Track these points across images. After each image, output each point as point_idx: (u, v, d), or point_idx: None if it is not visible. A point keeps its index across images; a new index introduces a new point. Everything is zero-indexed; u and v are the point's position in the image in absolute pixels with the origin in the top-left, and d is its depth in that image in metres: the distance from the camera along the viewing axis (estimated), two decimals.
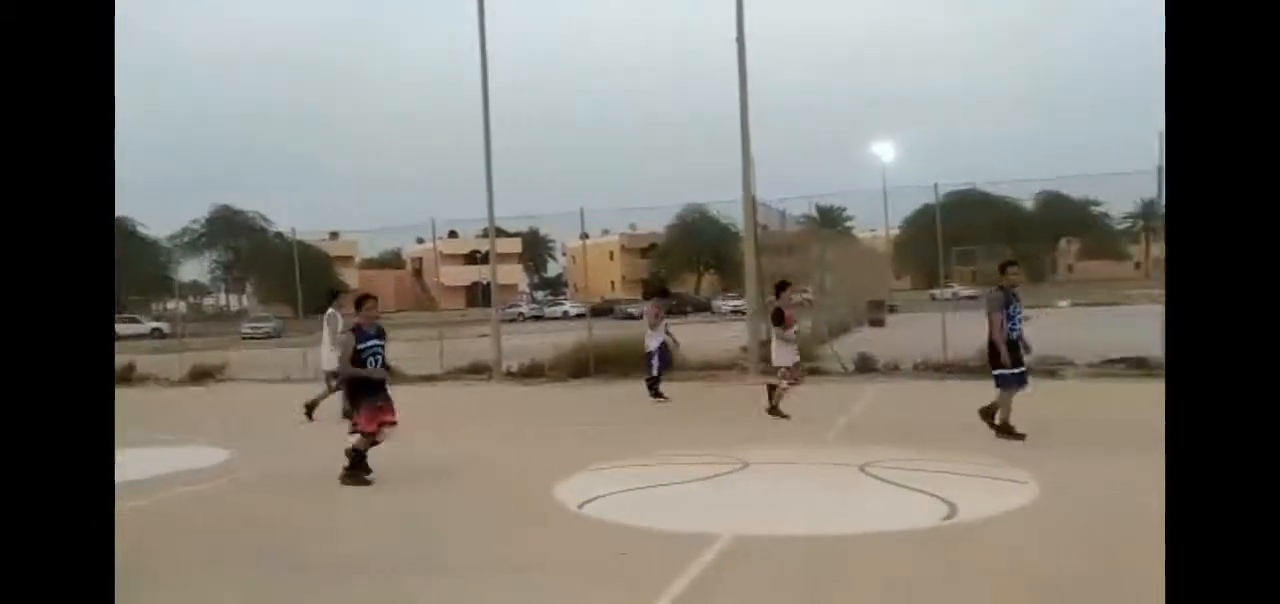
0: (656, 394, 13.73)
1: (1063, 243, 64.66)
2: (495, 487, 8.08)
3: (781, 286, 11.85)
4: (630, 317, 46.08)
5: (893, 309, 32.60)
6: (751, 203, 17.37)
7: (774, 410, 11.11)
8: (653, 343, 13.89)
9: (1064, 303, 32.70)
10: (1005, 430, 9.18)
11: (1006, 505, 6.65)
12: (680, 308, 54.09)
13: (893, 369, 15.97)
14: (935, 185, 18.99)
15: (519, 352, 19.00)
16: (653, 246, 72.06)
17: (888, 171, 46.96)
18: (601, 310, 43.08)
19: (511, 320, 36.42)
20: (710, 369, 16.80)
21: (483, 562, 5.83)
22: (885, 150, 41.47)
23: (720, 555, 5.65)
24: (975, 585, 5.02)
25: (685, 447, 9.57)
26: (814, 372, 16.41)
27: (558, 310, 40.43)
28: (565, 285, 60.82)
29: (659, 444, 9.84)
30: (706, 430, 10.90)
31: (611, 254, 71.86)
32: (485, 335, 19.43)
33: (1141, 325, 14.81)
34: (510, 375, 17.82)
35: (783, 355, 11.27)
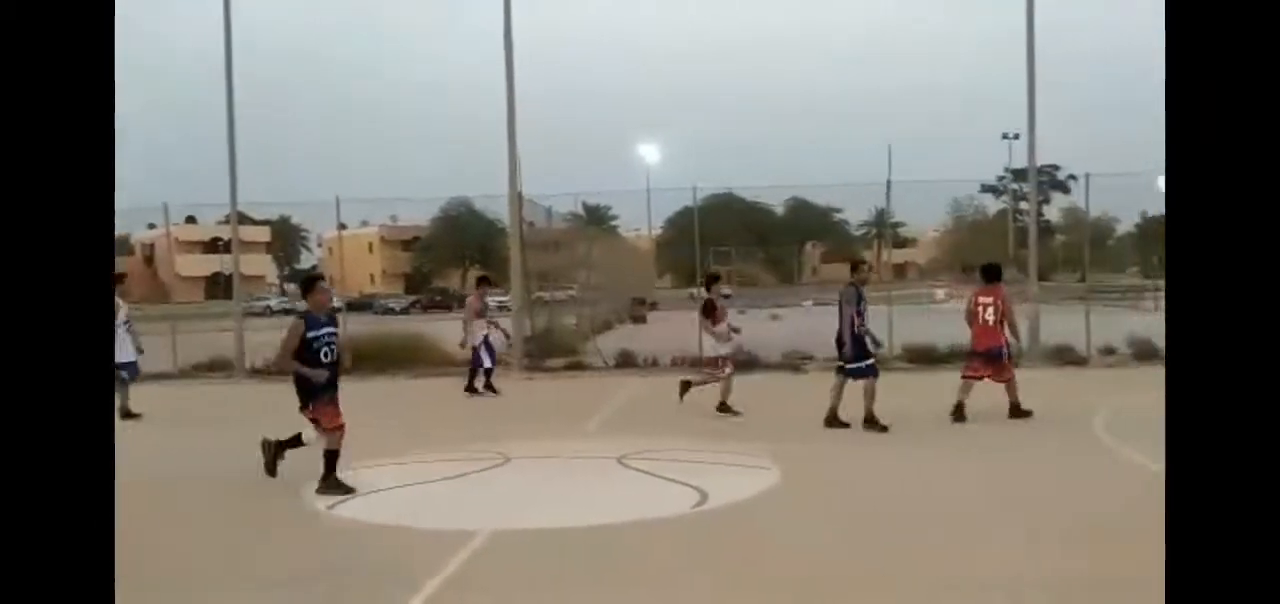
0: (486, 389, 13.33)
1: (809, 246, 69.79)
2: (237, 494, 7.46)
3: (712, 279, 11.70)
4: (390, 311, 44.53)
5: (654, 306, 33.68)
6: (517, 199, 17.29)
7: (723, 406, 10.68)
8: (476, 337, 13.43)
9: (809, 302, 35.24)
10: (871, 422, 9.32)
11: (754, 490, 7.02)
12: (445, 303, 52.87)
13: (651, 364, 16.46)
14: (693, 188, 19.79)
15: (266, 347, 17.74)
16: (416, 239, 70.00)
17: (652, 173, 48.49)
18: (359, 305, 41.30)
19: (259, 314, 34.04)
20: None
21: (223, 577, 5.36)
22: (650, 152, 42.77)
23: (476, 551, 5.54)
24: (725, 567, 5.25)
25: (446, 443, 9.34)
26: (578, 366, 16.63)
27: None
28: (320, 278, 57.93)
29: (418, 442, 9.54)
30: (468, 426, 10.70)
31: (371, 246, 69.01)
32: (227, 330, 18.02)
33: (876, 322, 16.21)
34: (255, 372, 16.62)
35: (714, 349, 11.05)
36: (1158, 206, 44.37)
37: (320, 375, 6.97)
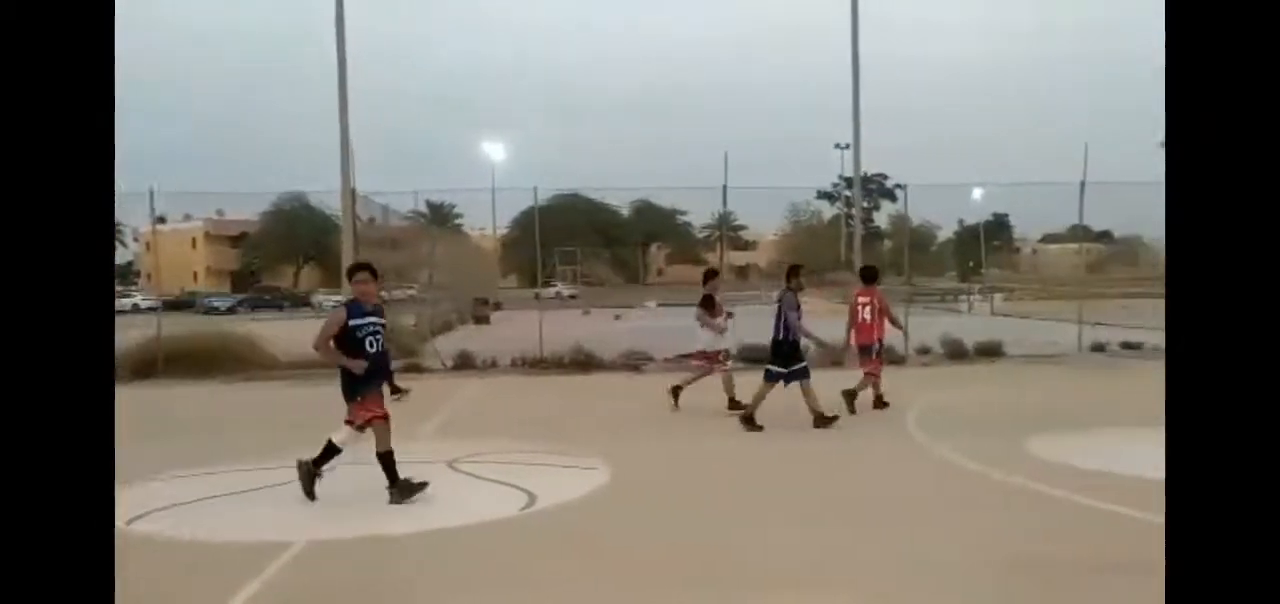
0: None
1: (654, 248, 70.82)
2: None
3: (710, 274, 11.68)
4: (215, 310, 42.00)
5: (498, 306, 33.31)
6: (351, 195, 16.69)
7: (734, 404, 10.50)
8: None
9: (652, 303, 35.75)
10: (821, 420, 9.56)
11: (582, 491, 7.03)
12: (276, 302, 50.32)
13: (491, 365, 16.26)
14: (535, 188, 19.67)
15: None
16: (243, 236, 66.36)
17: (501, 173, 47.89)
18: (179, 303, 38.78)
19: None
20: (301, 368, 15.80)
21: None
22: (495, 150, 42.22)
23: (291, 562, 5.29)
24: (552, 568, 5.22)
25: (266, 451, 8.87)
26: (416, 368, 16.19)
27: (127, 303, 35.74)
28: (136, 275, 53.65)
29: (235, 450, 9.03)
30: (292, 432, 10.21)
31: (194, 242, 64.86)
32: None
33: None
34: None
35: (712, 342, 11.09)
36: (972, 215, 47.71)
37: (360, 364, 6.64)
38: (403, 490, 6.69)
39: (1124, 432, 9.13)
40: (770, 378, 9.76)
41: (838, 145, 54.24)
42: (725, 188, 18.03)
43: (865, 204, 68.80)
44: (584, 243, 52.53)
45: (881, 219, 66.24)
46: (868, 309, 10.90)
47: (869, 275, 11.37)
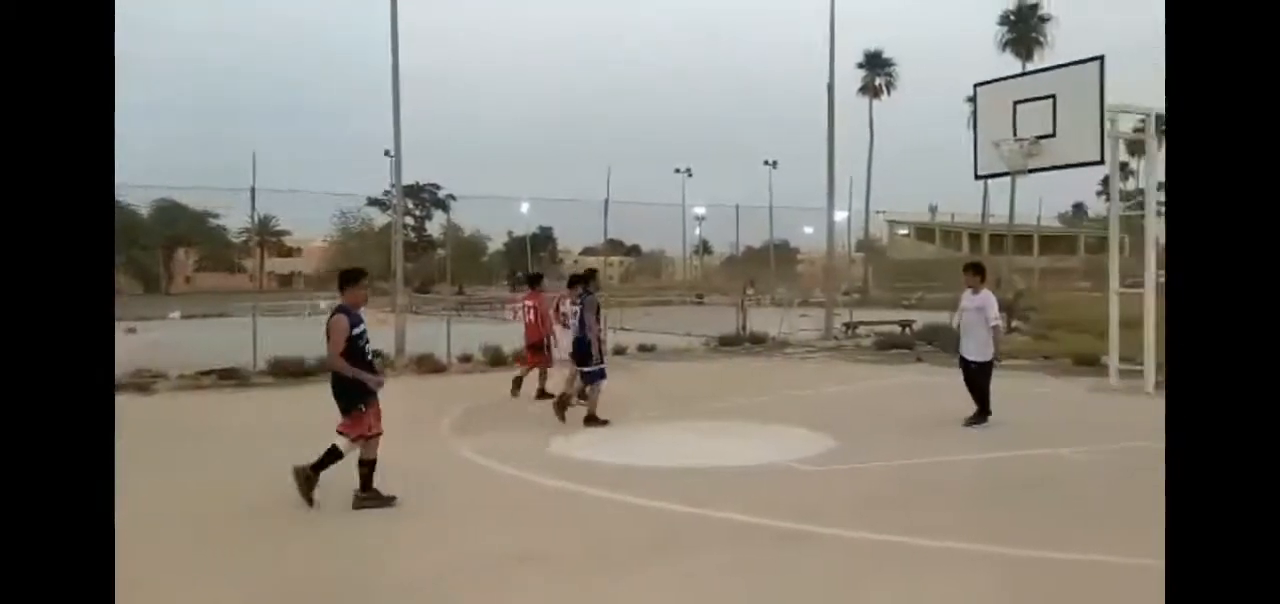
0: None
1: (181, 253, 63.72)
2: None
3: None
4: None
5: None
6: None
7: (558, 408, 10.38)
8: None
9: (175, 314, 32.05)
10: (593, 419, 9.92)
11: None
12: None
13: None
14: None
15: None
16: None
17: None
18: None
19: None
20: None
21: None
22: None
23: None
24: None
25: None
26: None
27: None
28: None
29: None
30: None
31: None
32: None
33: (238, 337, 15.36)
34: None
35: (559, 347, 11.74)
36: (520, 226, 50.14)
37: (379, 380, 6.72)
38: (372, 499, 6.54)
39: (636, 428, 10.16)
40: (588, 378, 10.19)
41: (387, 152, 53.53)
42: (253, 190, 16.79)
43: (417, 213, 69.03)
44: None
45: (434, 228, 66.83)
46: (532, 312, 12.36)
47: (535, 280, 13.53)
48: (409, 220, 64.97)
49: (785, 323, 20.40)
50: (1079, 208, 79.20)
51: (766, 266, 22.54)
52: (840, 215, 29.65)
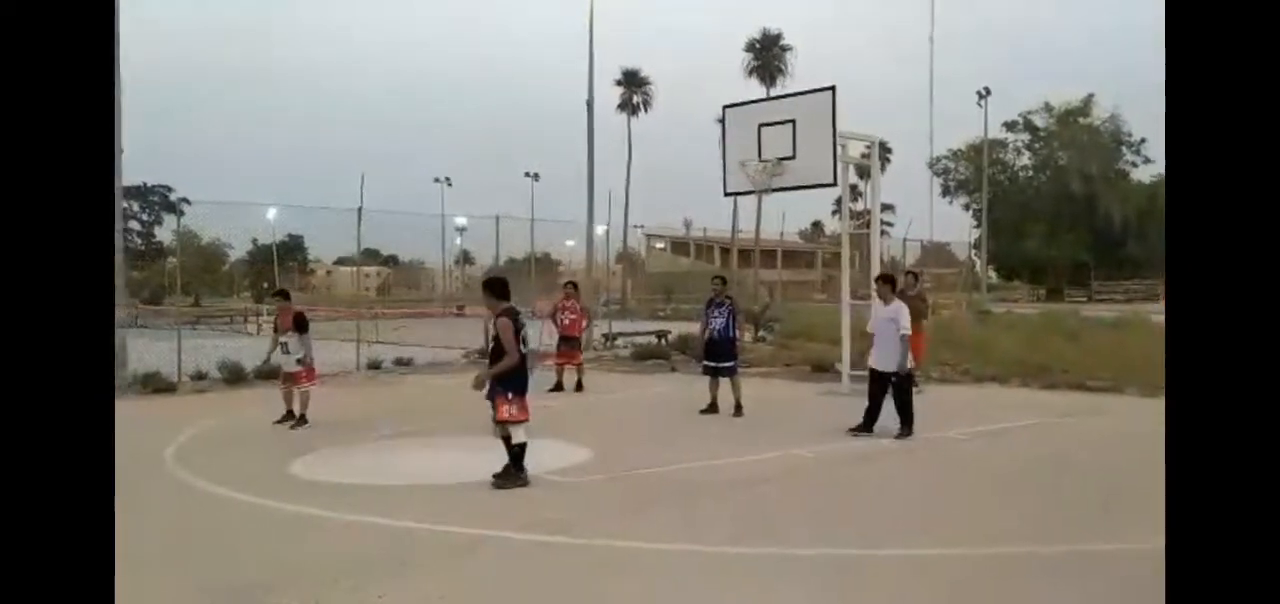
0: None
1: None
2: None
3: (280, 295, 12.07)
4: None
5: None
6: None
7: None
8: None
9: None
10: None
11: None
12: None
13: None
14: None
15: None
16: None
17: None
18: None
19: None
20: None
21: None
22: None
23: None
24: None
25: None
26: None
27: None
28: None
29: None
30: None
31: None
32: None
33: None
34: None
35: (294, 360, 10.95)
36: (266, 235, 46.87)
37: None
38: (515, 479, 7.37)
39: (387, 444, 9.75)
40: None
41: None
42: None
43: (144, 217, 62.82)
44: None
45: (165, 234, 61.09)
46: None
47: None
48: (134, 225, 59.04)
49: (545, 334, 20.47)
50: (817, 225, 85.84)
51: (528, 278, 22.44)
52: (600, 229, 30.21)
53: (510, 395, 7.35)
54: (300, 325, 10.98)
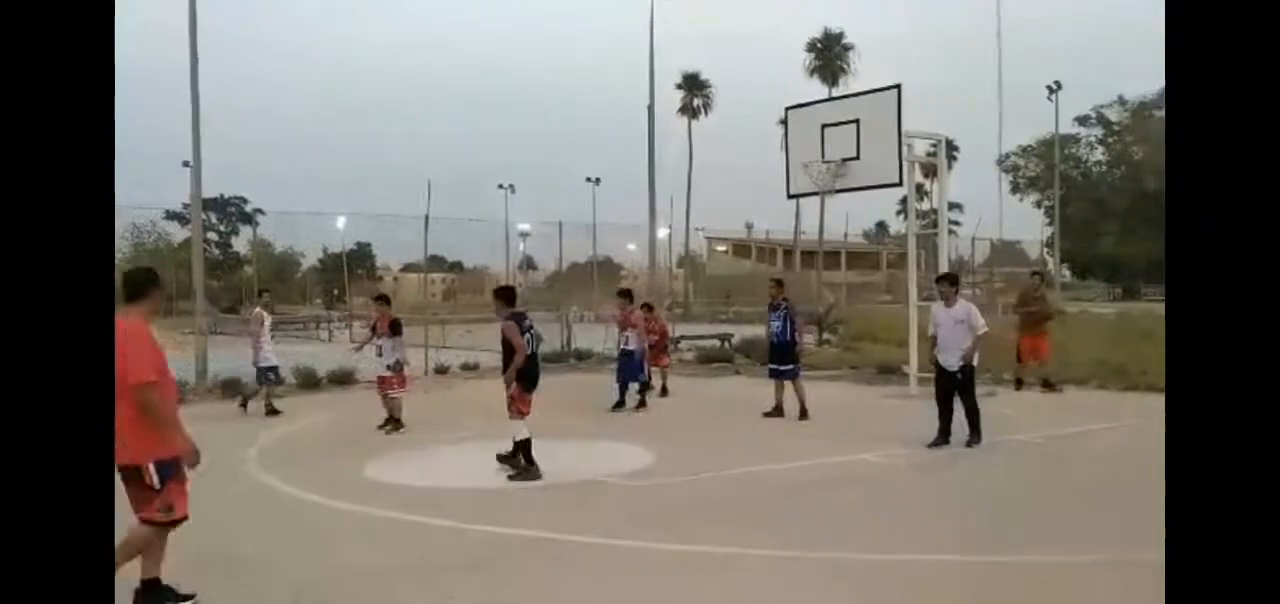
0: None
1: None
2: None
3: (380, 300, 12.30)
4: None
5: None
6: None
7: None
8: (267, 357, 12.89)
9: None
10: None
11: None
12: None
13: None
14: None
15: None
16: None
17: None
18: None
19: None
20: None
21: None
22: None
23: None
24: None
25: None
26: None
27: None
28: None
29: None
30: None
31: None
32: None
33: None
34: None
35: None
36: (336, 243, 48.08)
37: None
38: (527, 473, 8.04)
39: (456, 447, 9.93)
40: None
41: (186, 163, 50.06)
42: None
43: (222, 228, 64.87)
44: None
45: (241, 244, 63.02)
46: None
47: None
48: (212, 236, 61.00)
49: (609, 339, 20.58)
50: (882, 226, 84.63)
51: (590, 283, 22.60)
52: (662, 232, 30.27)
53: (518, 391, 8.12)
54: (396, 330, 11.30)
